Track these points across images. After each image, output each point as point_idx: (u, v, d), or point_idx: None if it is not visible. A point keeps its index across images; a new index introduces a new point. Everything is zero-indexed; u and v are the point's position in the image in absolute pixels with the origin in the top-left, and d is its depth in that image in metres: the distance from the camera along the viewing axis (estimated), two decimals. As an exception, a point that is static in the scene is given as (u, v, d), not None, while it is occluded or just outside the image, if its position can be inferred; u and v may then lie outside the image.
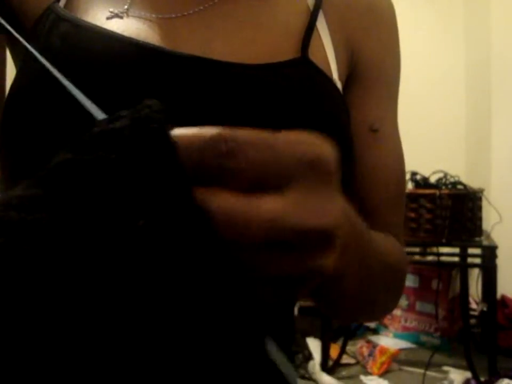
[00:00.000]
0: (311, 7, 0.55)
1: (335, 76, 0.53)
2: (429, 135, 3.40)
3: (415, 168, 2.31)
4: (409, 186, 2.36)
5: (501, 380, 2.15)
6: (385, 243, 0.52)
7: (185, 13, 0.51)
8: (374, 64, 0.57)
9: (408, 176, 2.34)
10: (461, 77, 3.52)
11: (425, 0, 3.51)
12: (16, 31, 0.53)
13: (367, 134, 0.56)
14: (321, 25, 0.54)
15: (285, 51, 0.51)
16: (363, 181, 0.56)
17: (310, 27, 0.53)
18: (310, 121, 0.48)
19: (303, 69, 0.50)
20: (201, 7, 0.52)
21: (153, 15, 0.50)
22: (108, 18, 0.50)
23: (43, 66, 0.46)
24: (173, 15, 0.51)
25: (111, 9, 0.51)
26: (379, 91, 0.58)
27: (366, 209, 0.57)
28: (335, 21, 0.56)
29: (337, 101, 0.52)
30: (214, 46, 0.50)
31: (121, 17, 0.50)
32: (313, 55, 0.52)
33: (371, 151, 0.56)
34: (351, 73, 0.57)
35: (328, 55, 0.53)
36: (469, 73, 3.50)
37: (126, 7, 0.51)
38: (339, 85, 0.53)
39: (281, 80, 0.48)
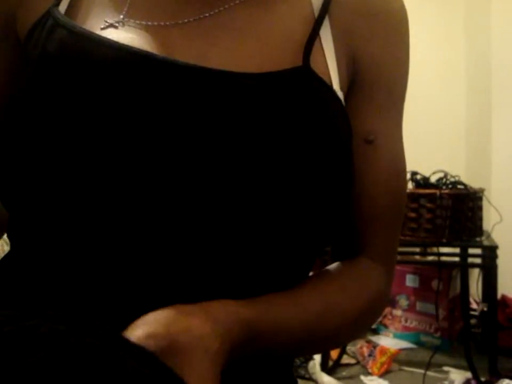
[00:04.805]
0: (316, 14, 0.53)
1: (336, 86, 0.51)
2: (429, 135, 3.39)
3: (415, 168, 2.30)
4: (410, 186, 2.35)
5: (501, 380, 2.15)
6: (334, 296, 0.51)
7: (181, 22, 0.50)
8: (375, 72, 0.54)
9: (408, 176, 2.33)
10: (461, 77, 3.52)
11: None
12: (9, 34, 0.53)
13: (361, 145, 0.53)
14: (325, 33, 0.52)
15: (285, 60, 0.49)
16: (354, 197, 0.53)
17: (313, 35, 0.51)
18: (309, 132, 0.46)
19: (304, 78, 0.48)
20: (199, 17, 0.51)
21: (149, 23, 0.50)
22: (102, 28, 0.49)
23: (37, 72, 0.46)
24: (168, 23, 0.50)
25: (106, 19, 0.50)
26: (378, 100, 0.55)
27: (355, 228, 0.55)
28: (340, 28, 0.53)
29: (337, 112, 0.50)
30: (210, 55, 0.48)
31: (116, 27, 0.49)
32: (314, 64, 0.50)
33: (363, 164, 0.53)
34: (352, 81, 0.54)
35: (330, 64, 0.51)
36: (469, 73, 3.49)
37: (121, 16, 0.50)
38: (340, 95, 0.51)
39: (280, 90, 0.46)
